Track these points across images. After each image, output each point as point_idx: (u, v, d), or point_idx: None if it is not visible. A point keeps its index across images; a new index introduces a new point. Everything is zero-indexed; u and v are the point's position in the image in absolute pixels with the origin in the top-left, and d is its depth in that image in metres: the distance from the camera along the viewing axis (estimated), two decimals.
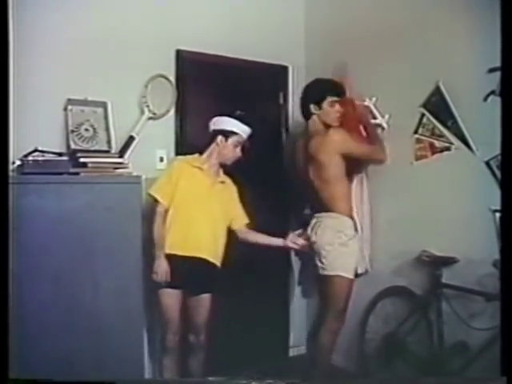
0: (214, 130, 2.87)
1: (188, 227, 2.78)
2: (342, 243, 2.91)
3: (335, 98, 3.01)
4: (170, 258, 2.75)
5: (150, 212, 2.78)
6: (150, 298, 2.86)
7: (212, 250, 2.83)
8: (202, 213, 2.80)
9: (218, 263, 2.86)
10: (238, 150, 2.87)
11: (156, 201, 2.75)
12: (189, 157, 2.89)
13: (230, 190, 2.96)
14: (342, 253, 2.91)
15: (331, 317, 2.97)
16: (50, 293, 2.40)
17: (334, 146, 2.91)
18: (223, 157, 2.87)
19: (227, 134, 2.83)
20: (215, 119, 2.89)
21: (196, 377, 2.88)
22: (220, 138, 2.83)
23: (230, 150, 2.85)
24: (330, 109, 3.00)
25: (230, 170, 2.96)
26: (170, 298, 2.78)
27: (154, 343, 3.09)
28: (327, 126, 3.00)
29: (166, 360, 2.86)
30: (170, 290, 2.76)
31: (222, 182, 2.92)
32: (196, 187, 2.81)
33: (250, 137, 2.90)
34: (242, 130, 2.85)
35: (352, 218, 3.02)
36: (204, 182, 2.83)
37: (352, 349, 3.39)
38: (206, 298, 2.85)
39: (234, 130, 2.83)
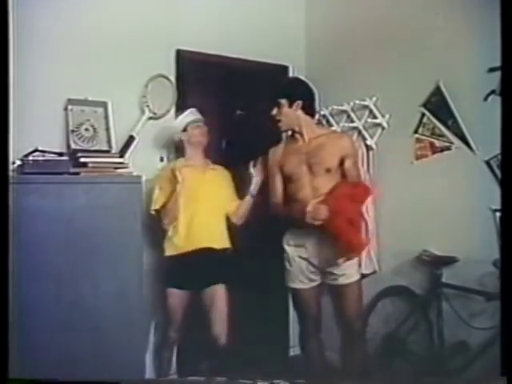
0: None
1: (190, 222, 2.85)
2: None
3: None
4: (177, 258, 2.85)
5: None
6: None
7: (215, 237, 2.92)
8: (199, 203, 2.87)
9: (226, 248, 2.96)
10: (204, 128, 2.98)
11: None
12: (170, 164, 3.01)
13: (222, 175, 3.05)
14: None
15: None
16: (50, 292, 2.40)
17: None
18: (199, 144, 2.97)
19: (185, 129, 2.94)
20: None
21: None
22: (183, 134, 2.94)
23: (197, 135, 2.95)
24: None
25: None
26: (176, 298, 2.89)
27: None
28: None
29: (165, 355, 3.01)
30: (175, 291, 2.88)
31: (213, 169, 3.02)
32: (190, 182, 2.82)
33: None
34: (193, 114, 2.98)
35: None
36: (195, 175, 2.88)
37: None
38: (219, 289, 2.90)
39: (187, 120, 2.94)
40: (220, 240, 2.94)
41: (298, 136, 2.75)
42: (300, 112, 2.70)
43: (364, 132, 3.37)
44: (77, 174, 2.60)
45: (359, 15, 3.38)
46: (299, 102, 2.68)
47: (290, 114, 2.69)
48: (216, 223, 2.95)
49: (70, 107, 2.83)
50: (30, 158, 2.52)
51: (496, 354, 1.82)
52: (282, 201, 2.78)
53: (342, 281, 2.66)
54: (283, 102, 2.68)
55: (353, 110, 3.43)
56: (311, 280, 2.74)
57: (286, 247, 2.76)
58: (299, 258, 2.71)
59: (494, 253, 2.42)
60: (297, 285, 2.76)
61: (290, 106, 2.68)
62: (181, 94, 3.21)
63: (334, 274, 2.65)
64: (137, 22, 3.06)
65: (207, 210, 2.89)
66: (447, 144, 2.91)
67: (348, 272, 2.66)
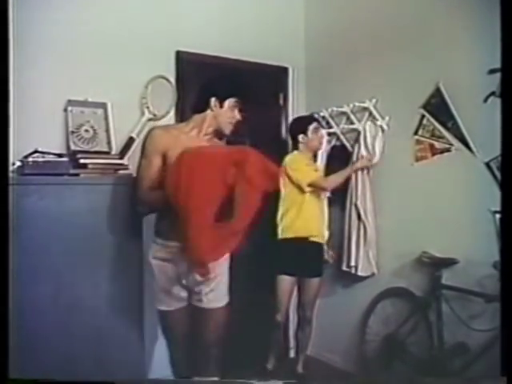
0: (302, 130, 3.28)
1: (299, 212, 3.17)
2: None
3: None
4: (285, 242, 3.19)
5: None
6: None
7: (320, 232, 3.25)
8: (304, 199, 3.18)
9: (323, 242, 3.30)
10: (323, 135, 3.38)
11: None
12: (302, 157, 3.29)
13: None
14: None
15: None
16: (50, 293, 2.39)
17: None
18: (312, 149, 3.32)
19: (304, 131, 3.27)
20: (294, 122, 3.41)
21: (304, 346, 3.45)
22: (301, 136, 3.25)
23: (315, 142, 3.31)
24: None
25: None
26: (286, 283, 3.20)
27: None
28: None
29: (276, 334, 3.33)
30: (285, 277, 3.19)
31: (316, 171, 3.31)
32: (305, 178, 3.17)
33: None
34: (313, 119, 3.41)
35: None
36: (312, 172, 3.24)
37: (352, 350, 3.39)
38: (316, 281, 3.28)
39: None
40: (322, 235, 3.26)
41: None
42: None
43: None
44: (76, 175, 2.60)
45: (359, 16, 3.39)
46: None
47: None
48: (319, 217, 3.26)
49: (69, 108, 2.83)
50: (30, 159, 2.51)
51: (496, 355, 1.82)
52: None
53: (205, 304, 2.32)
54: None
55: (352, 111, 3.43)
56: (179, 300, 2.38)
57: (152, 261, 2.38)
58: (165, 275, 2.34)
59: (493, 255, 2.42)
60: (163, 306, 2.40)
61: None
62: (180, 95, 3.21)
63: (199, 294, 2.32)
64: (137, 22, 3.07)
65: (311, 204, 3.20)
66: (447, 146, 2.91)
67: (212, 295, 2.32)
